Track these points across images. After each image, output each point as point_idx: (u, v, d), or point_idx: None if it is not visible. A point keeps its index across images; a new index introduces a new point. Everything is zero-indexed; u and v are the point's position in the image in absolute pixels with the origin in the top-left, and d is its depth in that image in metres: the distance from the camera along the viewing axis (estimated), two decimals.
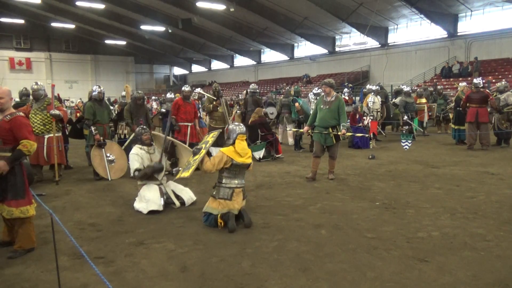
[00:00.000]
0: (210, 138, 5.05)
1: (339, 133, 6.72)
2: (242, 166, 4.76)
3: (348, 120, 11.63)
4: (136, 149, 5.61)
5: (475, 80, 10.20)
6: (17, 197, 3.85)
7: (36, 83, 7.19)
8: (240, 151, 4.71)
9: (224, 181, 4.73)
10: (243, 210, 4.75)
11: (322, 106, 6.87)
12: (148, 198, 5.27)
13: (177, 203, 5.47)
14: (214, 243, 4.13)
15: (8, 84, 29.49)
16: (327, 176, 7.10)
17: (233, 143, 4.75)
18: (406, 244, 3.99)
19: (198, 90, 12.17)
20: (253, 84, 11.59)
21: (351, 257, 3.70)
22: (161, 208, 5.24)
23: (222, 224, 4.54)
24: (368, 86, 13.53)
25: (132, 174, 5.53)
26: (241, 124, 5.03)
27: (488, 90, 10.47)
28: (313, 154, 7.08)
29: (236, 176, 4.76)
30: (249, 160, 4.82)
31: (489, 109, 10.01)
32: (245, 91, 14.26)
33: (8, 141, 3.80)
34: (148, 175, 5.44)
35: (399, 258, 3.67)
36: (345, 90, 15.56)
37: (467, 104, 10.00)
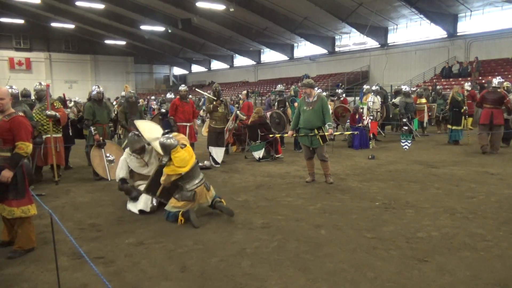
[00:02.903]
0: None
1: (325, 133, 6.51)
2: (193, 169, 4.84)
3: (348, 120, 11.69)
4: (126, 154, 5.58)
5: (494, 80, 9.53)
6: (18, 196, 3.86)
7: (40, 83, 7.38)
8: (180, 163, 4.72)
9: (185, 186, 4.80)
10: (219, 202, 4.85)
11: (305, 108, 6.68)
12: (139, 198, 5.27)
13: None
14: (214, 243, 4.13)
15: (7, 84, 29.39)
16: (325, 181, 6.82)
17: (170, 159, 4.75)
18: (405, 244, 3.99)
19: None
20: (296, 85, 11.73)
21: (351, 257, 3.71)
22: (147, 209, 5.19)
23: (183, 221, 4.64)
24: (366, 87, 13.49)
25: (116, 179, 5.58)
26: (171, 136, 4.96)
27: (504, 91, 9.69)
28: (305, 157, 7.00)
29: (193, 176, 4.84)
30: (194, 159, 4.89)
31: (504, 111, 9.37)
32: (244, 91, 14.25)
33: (8, 141, 3.80)
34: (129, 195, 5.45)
35: (399, 258, 3.67)
36: (339, 90, 14.92)
37: (482, 105, 9.35)
